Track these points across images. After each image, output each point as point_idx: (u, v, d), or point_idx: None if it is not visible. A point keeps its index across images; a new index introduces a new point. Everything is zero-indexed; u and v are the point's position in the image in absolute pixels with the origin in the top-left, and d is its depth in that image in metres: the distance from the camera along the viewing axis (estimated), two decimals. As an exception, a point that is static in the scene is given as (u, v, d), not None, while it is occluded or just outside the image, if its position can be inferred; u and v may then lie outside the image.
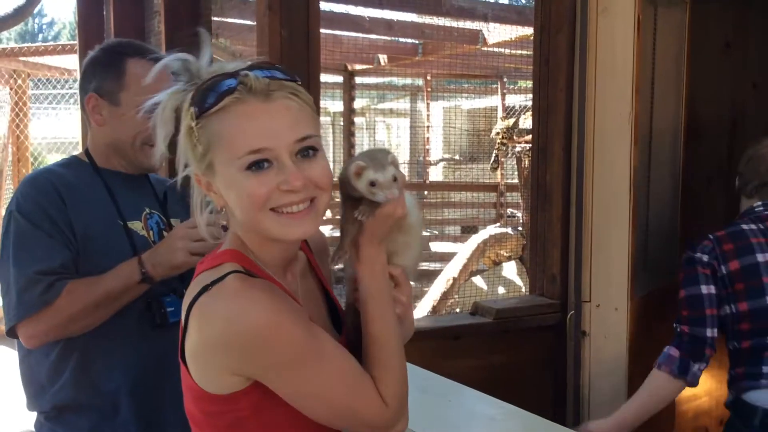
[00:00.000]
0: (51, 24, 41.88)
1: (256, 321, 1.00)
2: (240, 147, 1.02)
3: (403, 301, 1.19)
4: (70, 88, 10.08)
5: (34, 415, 1.80)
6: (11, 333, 1.67)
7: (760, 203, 2.37)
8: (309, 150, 1.06)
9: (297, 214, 1.05)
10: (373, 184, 1.07)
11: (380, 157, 1.09)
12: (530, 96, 9.18)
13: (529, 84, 10.18)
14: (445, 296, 5.98)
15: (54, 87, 8.99)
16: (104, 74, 1.73)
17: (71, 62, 7.66)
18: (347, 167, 1.10)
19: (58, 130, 12.36)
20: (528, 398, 2.53)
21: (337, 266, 1.20)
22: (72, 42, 7.04)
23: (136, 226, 1.77)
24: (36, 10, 7.34)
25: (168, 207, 1.86)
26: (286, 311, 1.04)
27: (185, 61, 1.09)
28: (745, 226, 2.34)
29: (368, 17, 6.17)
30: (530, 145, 6.55)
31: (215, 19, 3.73)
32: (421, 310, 5.67)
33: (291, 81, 1.06)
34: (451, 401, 2.29)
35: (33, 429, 1.79)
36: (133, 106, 1.68)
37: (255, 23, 3.53)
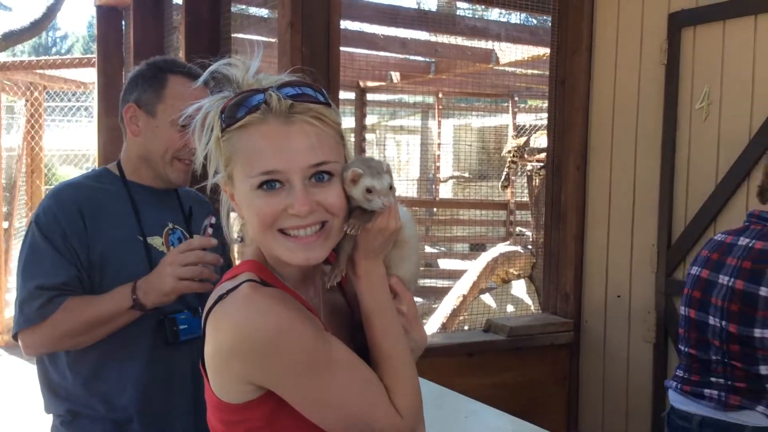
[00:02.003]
0: (64, 37, 42.24)
1: (265, 326, 1.00)
2: (254, 166, 1.03)
3: (404, 311, 1.16)
4: (84, 101, 10.17)
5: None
6: (15, 339, 1.72)
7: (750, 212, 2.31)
8: (324, 174, 1.05)
9: (304, 239, 1.05)
10: (369, 191, 1.04)
11: (375, 164, 1.06)
12: (540, 115, 9.21)
13: (539, 103, 10.23)
14: (454, 313, 5.98)
15: (69, 100, 9.06)
16: (145, 86, 1.77)
17: (87, 75, 7.73)
18: (341, 174, 1.06)
19: (70, 142, 12.45)
20: (541, 416, 2.55)
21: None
22: (89, 56, 7.12)
23: (156, 241, 1.77)
24: (49, 25, 7.41)
25: (193, 222, 1.86)
26: (298, 318, 1.03)
27: (231, 68, 1.10)
28: (719, 237, 2.30)
29: (382, 35, 6.22)
30: (541, 164, 6.59)
31: (235, 35, 3.77)
32: (431, 326, 5.67)
33: (319, 103, 1.06)
34: (467, 418, 2.30)
35: None
36: (168, 119, 1.74)
37: (273, 40, 3.57)
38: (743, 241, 2.15)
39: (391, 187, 1.05)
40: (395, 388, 1.07)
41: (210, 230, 1.69)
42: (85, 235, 1.67)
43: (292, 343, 1.01)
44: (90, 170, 1.90)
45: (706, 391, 2.17)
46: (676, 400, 2.27)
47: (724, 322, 2.11)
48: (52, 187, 1.92)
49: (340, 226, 1.06)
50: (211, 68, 1.10)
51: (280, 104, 1.03)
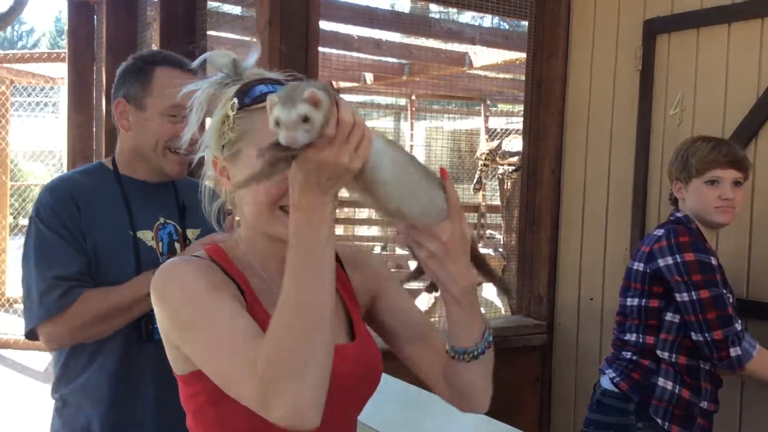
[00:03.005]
0: (31, 32, 41.51)
1: (171, 282, 1.09)
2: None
3: (432, 250, 1.06)
4: (51, 96, 10.00)
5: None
6: (31, 335, 1.73)
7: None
8: None
9: None
10: (277, 123, 0.91)
11: (296, 92, 0.91)
12: (512, 119, 9.27)
13: (510, 107, 10.31)
14: (427, 314, 6.00)
15: (37, 95, 8.91)
16: (133, 81, 1.78)
17: (55, 70, 7.61)
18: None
19: (36, 138, 12.22)
20: (514, 417, 2.55)
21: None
22: (58, 50, 7.00)
23: (146, 236, 1.78)
24: (16, 18, 7.29)
25: (187, 217, 1.85)
26: (201, 278, 1.07)
27: (234, 58, 1.13)
28: None
29: (357, 36, 6.21)
30: (513, 168, 6.64)
31: (210, 33, 3.73)
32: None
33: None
34: (444, 418, 2.30)
35: None
36: (157, 111, 1.75)
37: (250, 38, 3.55)
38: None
39: (307, 119, 0.89)
40: (265, 347, 0.95)
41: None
42: (81, 225, 1.71)
43: (183, 294, 1.06)
44: (84, 166, 1.91)
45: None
46: None
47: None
48: (19, 182, 1.91)
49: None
50: (206, 54, 1.14)
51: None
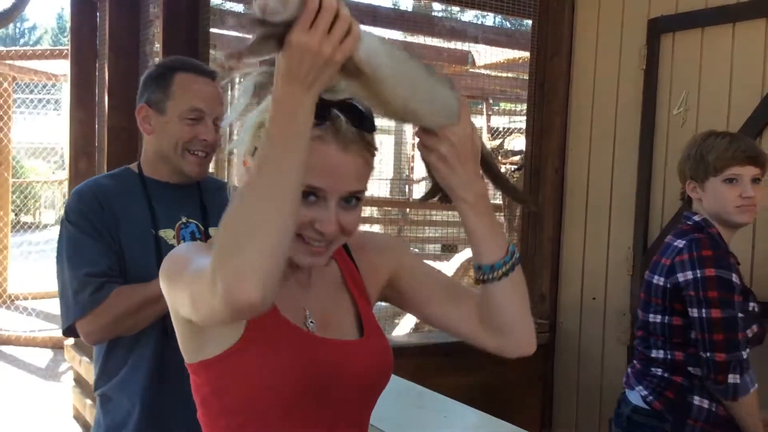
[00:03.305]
0: (33, 28, 41.49)
1: (171, 261, 1.10)
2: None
3: (443, 152, 1.08)
4: (53, 93, 10.00)
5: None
6: (68, 331, 1.80)
7: None
8: (353, 199, 1.07)
9: (315, 248, 1.07)
10: None
11: None
12: (514, 118, 9.25)
13: (512, 106, 10.28)
14: (417, 260, 5.97)
15: (39, 92, 8.91)
16: (154, 86, 1.84)
17: (57, 67, 7.61)
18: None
19: (38, 135, 12.23)
20: (515, 416, 2.55)
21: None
22: (61, 47, 7.00)
23: (168, 234, 1.84)
24: (18, 16, 7.28)
25: (209, 216, 1.89)
26: (199, 250, 1.08)
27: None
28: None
29: (359, 34, 6.20)
30: (515, 167, 6.64)
31: (213, 30, 3.72)
32: (405, 326, 5.67)
33: (372, 130, 1.07)
34: (446, 417, 2.30)
35: None
36: (177, 114, 1.81)
37: (251, 36, 3.54)
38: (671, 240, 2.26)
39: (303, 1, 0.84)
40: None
41: None
42: (107, 224, 1.78)
43: (177, 266, 1.07)
44: (112, 171, 1.98)
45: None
46: None
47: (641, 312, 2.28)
48: (21, 179, 1.95)
49: (343, 242, 1.10)
50: (259, 70, 1.05)
51: (346, 133, 1.03)
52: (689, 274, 2.11)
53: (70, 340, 4.67)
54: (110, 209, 1.79)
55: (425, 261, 1.34)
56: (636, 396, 2.26)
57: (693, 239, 2.16)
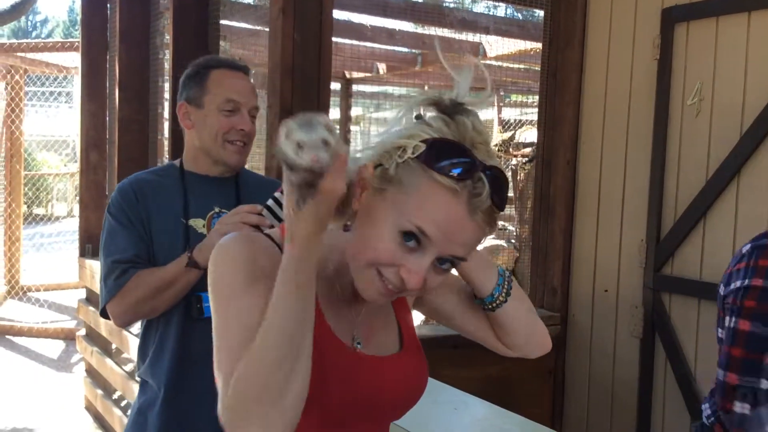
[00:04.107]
0: (45, 21, 41.61)
1: (221, 261, 1.04)
2: (417, 216, 0.98)
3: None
4: (65, 86, 10.03)
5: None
6: (102, 314, 1.94)
7: None
8: (447, 263, 1.02)
9: (388, 289, 1.02)
10: (300, 145, 0.90)
11: (312, 119, 0.92)
12: (525, 110, 9.21)
13: (524, 98, 10.22)
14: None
15: (50, 85, 8.93)
16: (192, 84, 1.97)
17: (69, 60, 7.62)
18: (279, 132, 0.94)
19: (50, 128, 12.28)
20: (526, 409, 2.53)
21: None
22: (72, 40, 7.01)
23: (197, 223, 1.95)
24: (31, 8, 7.30)
25: None
26: (246, 264, 1.03)
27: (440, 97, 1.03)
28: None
29: (370, 26, 6.18)
30: (526, 159, 6.60)
31: (223, 22, 3.71)
32: (414, 318, 5.67)
33: (501, 211, 1.03)
34: (457, 409, 2.29)
35: None
36: (214, 106, 1.93)
37: (261, 28, 3.52)
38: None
39: (326, 142, 0.89)
40: (248, 351, 0.94)
41: (277, 193, 1.73)
42: (141, 215, 1.91)
43: (221, 267, 1.04)
44: (157, 166, 2.17)
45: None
46: None
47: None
48: (33, 171, 2.02)
49: (410, 294, 1.10)
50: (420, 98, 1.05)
51: (480, 204, 0.98)
52: (738, 283, 1.89)
53: (82, 331, 4.69)
54: (145, 201, 1.91)
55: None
56: (704, 412, 2.06)
57: (758, 246, 1.93)
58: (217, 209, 1.97)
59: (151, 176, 2.02)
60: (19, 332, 6.89)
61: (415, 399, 1.20)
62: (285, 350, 0.93)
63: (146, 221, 1.90)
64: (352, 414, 1.08)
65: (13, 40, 8.60)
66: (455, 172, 0.96)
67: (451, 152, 0.97)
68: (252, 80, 2.04)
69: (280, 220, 1.76)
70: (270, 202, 1.72)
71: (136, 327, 4.14)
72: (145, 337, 2.00)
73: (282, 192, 1.74)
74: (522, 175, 6.94)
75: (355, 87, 8.87)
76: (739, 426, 1.81)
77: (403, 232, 0.98)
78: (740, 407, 1.80)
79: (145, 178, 2.00)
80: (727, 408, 1.83)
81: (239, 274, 1.03)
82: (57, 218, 13.57)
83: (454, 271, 1.15)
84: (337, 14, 5.75)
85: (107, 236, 1.92)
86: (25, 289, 8.04)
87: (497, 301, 1.18)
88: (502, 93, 9.41)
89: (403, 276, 0.99)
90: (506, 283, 1.19)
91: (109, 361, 4.09)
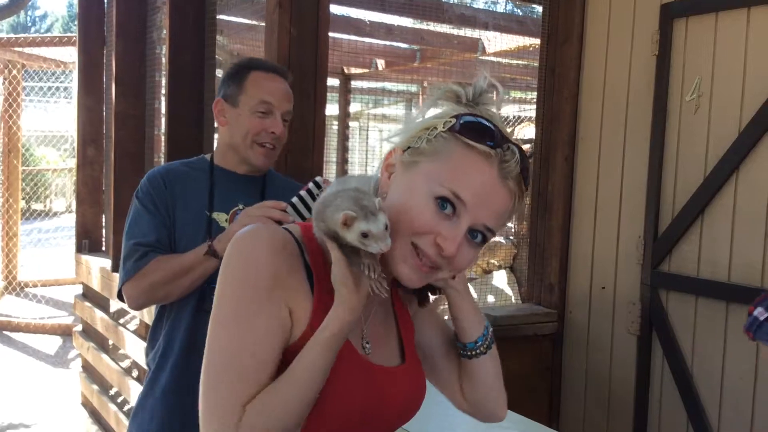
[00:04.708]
0: (44, 17, 41.53)
1: (236, 257, 1.01)
2: (451, 181, 1.00)
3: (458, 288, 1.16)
4: (63, 81, 10.00)
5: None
6: (119, 295, 1.98)
7: None
8: (481, 236, 1.04)
9: (421, 265, 1.03)
10: (365, 235, 0.96)
11: (368, 202, 0.98)
12: (524, 106, 9.19)
13: (523, 95, 10.19)
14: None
15: (48, 80, 8.91)
16: (231, 82, 2.02)
17: (66, 55, 7.60)
18: (331, 214, 0.99)
19: (48, 123, 12.25)
20: (523, 406, 2.52)
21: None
22: (69, 35, 6.98)
23: (220, 217, 1.99)
24: (29, 3, 7.27)
25: None
26: (266, 269, 1.00)
27: (493, 88, 1.09)
28: None
29: (368, 21, 6.16)
30: (525, 155, 6.58)
31: (220, 17, 3.69)
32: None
33: (527, 187, 1.07)
34: (452, 408, 2.28)
35: None
36: (248, 107, 1.98)
37: (258, 22, 3.51)
38: None
39: (387, 227, 0.96)
40: (263, 401, 0.96)
41: (303, 192, 1.81)
42: (167, 202, 1.96)
43: (233, 271, 1.01)
44: (191, 158, 2.15)
45: None
46: None
47: None
48: (31, 167, 2.01)
49: (442, 279, 1.09)
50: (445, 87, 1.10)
51: (511, 168, 1.02)
52: None
53: (78, 327, 4.68)
54: (172, 190, 1.97)
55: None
56: (760, 316, 2.01)
57: None
58: (241, 206, 2.02)
59: (182, 167, 2.07)
60: (17, 328, 6.88)
61: (415, 411, 1.21)
62: (311, 399, 0.98)
63: (171, 209, 1.96)
64: (355, 422, 1.07)
65: (11, 35, 8.57)
66: (489, 139, 1.02)
67: (481, 124, 1.03)
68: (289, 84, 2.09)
69: (303, 218, 1.79)
70: (295, 199, 1.80)
71: (133, 324, 4.13)
72: (156, 326, 2.04)
73: (307, 191, 1.78)
74: (520, 171, 6.93)
75: (353, 83, 8.85)
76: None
77: (438, 198, 1.01)
78: None
79: (175, 168, 2.06)
80: None
81: (255, 282, 1.00)
82: (55, 214, 13.55)
83: (446, 317, 1.16)
84: (336, 9, 5.73)
85: (131, 220, 1.97)
86: (22, 284, 8.04)
87: (478, 350, 1.20)
88: (501, 90, 9.40)
89: (439, 243, 1.00)
90: (490, 336, 1.21)
91: (105, 357, 4.07)
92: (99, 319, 4.16)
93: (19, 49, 7.20)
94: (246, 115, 1.98)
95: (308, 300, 1.03)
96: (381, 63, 7.78)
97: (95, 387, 4.20)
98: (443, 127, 1.03)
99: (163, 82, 3.83)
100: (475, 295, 6.83)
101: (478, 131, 1.02)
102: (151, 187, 1.98)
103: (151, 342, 2.06)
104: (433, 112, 1.10)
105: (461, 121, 1.03)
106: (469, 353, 1.20)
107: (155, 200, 1.96)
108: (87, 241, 4.57)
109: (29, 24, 38.90)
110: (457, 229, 1.01)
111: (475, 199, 1.01)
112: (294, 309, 1.02)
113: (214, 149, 2.11)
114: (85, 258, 4.41)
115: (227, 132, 2.04)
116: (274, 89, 2.00)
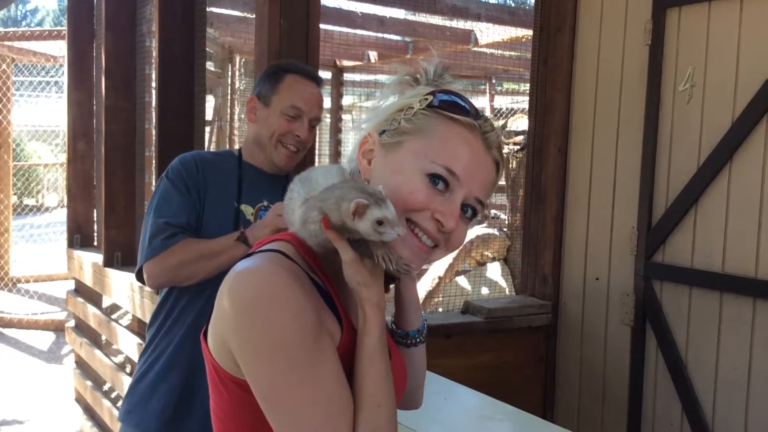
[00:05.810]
0: (34, 11, 41.28)
1: (260, 291, 0.92)
2: (441, 156, 1.01)
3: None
4: (54, 75, 9.93)
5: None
6: (138, 274, 2.01)
7: None
8: (471, 211, 1.05)
9: (420, 244, 1.02)
10: (380, 222, 0.93)
11: (373, 191, 0.95)
12: (517, 98, 9.18)
13: (516, 86, 10.19)
14: (430, 295, 5.96)
15: (38, 74, 8.84)
16: (266, 82, 2.10)
17: (57, 49, 7.54)
18: (336, 207, 0.95)
19: (39, 118, 12.18)
20: (517, 398, 2.52)
21: None
22: (60, 28, 6.93)
23: (247, 210, 2.06)
24: (20, -4, 7.21)
25: None
26: (305, 314, 0.93)
27: (441, 64, 1.11)
28: None
29: (360, 12, 6.13)
30: (518, 147, 6.58)
31: (210, 9, 3.66)
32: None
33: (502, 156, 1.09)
34: (446, 399, 2.27)
35: None
36: (279, 108, 2.06)
37: (248, 15, 3.48)
38: None
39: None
40: (371, 428, 0.94)
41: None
42: (199, 186, 2.00)
43: (274, 322, 0.90)
44: (219, 150, 2.25)
45: None
46: None
47: None
48: (22, 162, 1.98)
49: (437, 258, 1.08)
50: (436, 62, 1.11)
51: (491, 136, 1.04)
52: None
53: (71, 323, 4.66)
54: (204, 175, 2.02)
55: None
56: None
57: None
58: (265, 203, 2.09)
59: (212, 156, 2.16)
60: (9, 324, 6.85)
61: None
62: (395, 399, 1.00)
63: (203, 192, 2.00)
64: None
65: (1, 29, 8.51)
66: (469, 109, 1.04)
67: (458, 97, 1.05)
68: (321, 90, 2.15)
69: None
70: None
71: (126, 320, 4.11)
72: (163, 302, 2.07)
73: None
74: (514, 163, 6.92)
75: (346, 75, 8.81)
76: None
77: (430, 174, 1.01)
78: None
79: (206, 156, 2.13)
80: None
81: (304, 324, 0.93)
82: (47, 209, 13.49)
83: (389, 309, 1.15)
84: (327, 1, 5.70)
85: (160, 198, 2.00)
86: (14, 280, 8.00)
87: (417, 339, 1.21)
88: (494, 81, 9.38)
89: (438, 218, 1.01)
90: (425, 329, 1.23)
91: (98, 353, 4.06)
92: (91, 314, 4.14)
93: (9, 43, 7.16)
94: (275, 116, 2.05)
95: (328, 313, 0.99)
96: (373, 55, 7.75)
97: (89, 383, 4.19)
98: (420, 105, 1.04)
99: (154, 75, 3.80)
100: (469, 287, 6.86)
101: (457, 105, 1.04)
102: (183, 170, 2.01)
103: (155, 316, 2.10)
104: (394, 99, 1.10)
105: (439, 98, 1.04)
106: (408, 340, 1.21)
107: (187, 181, 1.99)
108: (79, 237, 4.55)
109: (20, 18, 38.67)
110: (453, 203, 1.01)
111: (467, 172, 1.02)
112: (329, 329, 0.98)
113: (243, 143, 2.18)
114: (77, 253, 4.39)
115: (256, 129, 2.11)
116: (307, 96, 2.07)
